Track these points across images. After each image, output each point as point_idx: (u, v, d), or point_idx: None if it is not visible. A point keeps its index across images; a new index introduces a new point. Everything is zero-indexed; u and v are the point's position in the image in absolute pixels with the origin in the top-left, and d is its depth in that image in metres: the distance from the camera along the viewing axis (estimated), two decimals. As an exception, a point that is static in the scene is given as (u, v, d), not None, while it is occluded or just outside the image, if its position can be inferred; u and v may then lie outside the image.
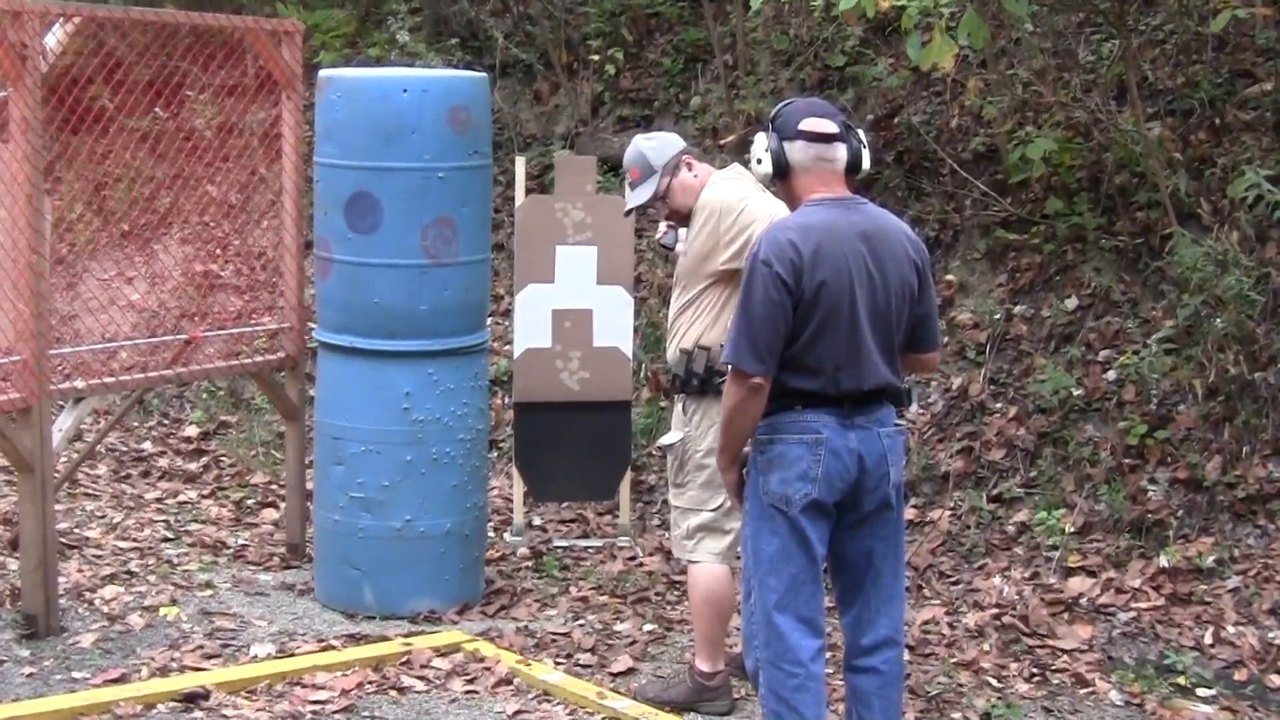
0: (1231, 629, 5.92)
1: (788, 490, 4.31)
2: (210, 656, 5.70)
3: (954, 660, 5.83)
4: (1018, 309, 7.38)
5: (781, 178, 4.42)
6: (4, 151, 5.69)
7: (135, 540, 6.99)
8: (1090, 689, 5.68)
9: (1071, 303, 7.23)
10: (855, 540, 4.42)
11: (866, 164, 4.48)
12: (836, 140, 4.39)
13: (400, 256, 6.00)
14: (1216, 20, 6.57)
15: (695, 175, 5.40)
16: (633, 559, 6.92)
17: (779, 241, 4.26)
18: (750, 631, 4.46)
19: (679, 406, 5.42)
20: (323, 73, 6.25)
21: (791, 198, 4.47)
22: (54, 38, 6.02)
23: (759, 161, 4.44)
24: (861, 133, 4.50)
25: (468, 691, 5.43)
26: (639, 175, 5.48)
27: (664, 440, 5.49)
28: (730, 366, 4.31)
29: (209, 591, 6.39)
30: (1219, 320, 6.45)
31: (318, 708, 5.25)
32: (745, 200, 5.20)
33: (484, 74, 6.41)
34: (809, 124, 4.39)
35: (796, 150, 4.38)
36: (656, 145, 5.48)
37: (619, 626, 6.13)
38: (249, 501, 7.68)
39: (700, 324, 5.30)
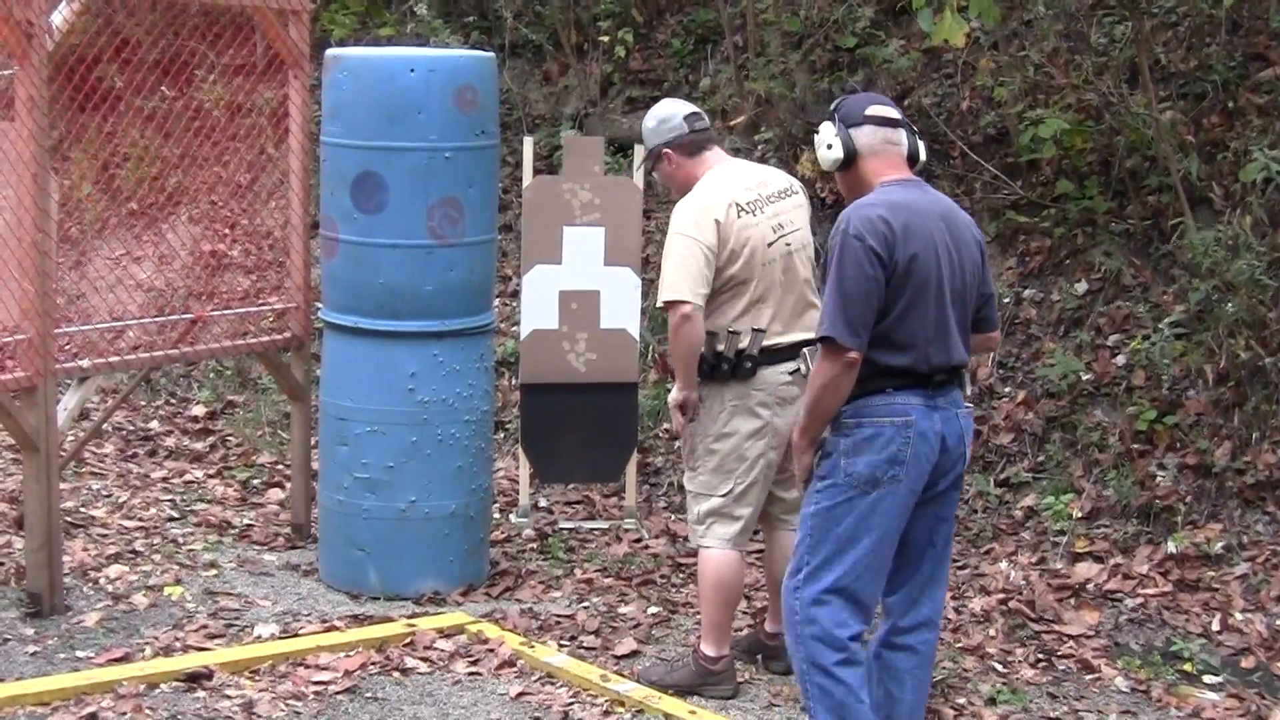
0: (1239, 616, 5.90)
1: (876, 473, 4.33)
2: (214, 636, 5.70)
3: (959, 645, 5.81)
4: (1027, 293, 7.35)
5: (849, 164, 4.46)
6: (10, 130, 5.68)
7: (141, 519, 6.99)
8: (1096, 675, 5.66)
9: (1081, 286, 7.19)
10: (922, 519, 4.47)
11: (923, 155, 4.56)
12: (900, 125, 4.48)
13: (406, 237, 5.97)
14: (1228, -1, 6.53)
15: (675, 169, 5.45)
16: (638, 541, 6.90)
17: (869, 217, 4.29)
18: (793, 606, 4.47)
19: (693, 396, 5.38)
20: (329, 52, 6.22)
21: (859, 183, 4.49)
22: (60, 15, 6.00)
23: (829, 147, 4.47)
24: (913, 126, 4.57)
25: (471, 673, 5.42)
26: (644, 153, 5.63)
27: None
28: (823, 343, 4.30)
29: (213, 571, 6.38)
30: (1230, 305, 6.42)
31: (321, 688, 5.24)
32: (683, 243, 5.20)
33: (491, 54, 6.38)
34: (875, 110, 4.48)
35: (864, 135, 4.45)
36: (651, 128, 5.50)
37: (623, 609, 6.12)
38: (255, 481, 7.67)
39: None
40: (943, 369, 4.38)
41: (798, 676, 4.50)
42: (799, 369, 4.62)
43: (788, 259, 5.28)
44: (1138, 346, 6.74)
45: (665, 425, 7.59)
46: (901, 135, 4.48)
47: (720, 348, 5.23)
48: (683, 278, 5.16)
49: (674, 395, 5.33)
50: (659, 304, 5.32)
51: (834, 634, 4.37)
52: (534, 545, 6.85)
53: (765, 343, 5.22)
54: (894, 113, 4.51)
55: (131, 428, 8.46)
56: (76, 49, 6.50)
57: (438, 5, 10.08)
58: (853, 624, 4.39)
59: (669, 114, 5.49)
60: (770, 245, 5.24)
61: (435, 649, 5.58)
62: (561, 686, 5.34)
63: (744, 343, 5.22)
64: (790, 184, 5.45)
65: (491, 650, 5.57)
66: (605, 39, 9.43)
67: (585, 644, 5.76)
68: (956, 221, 4.45)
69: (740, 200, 5.26)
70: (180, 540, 6.75)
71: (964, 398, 4.51)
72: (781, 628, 5.54)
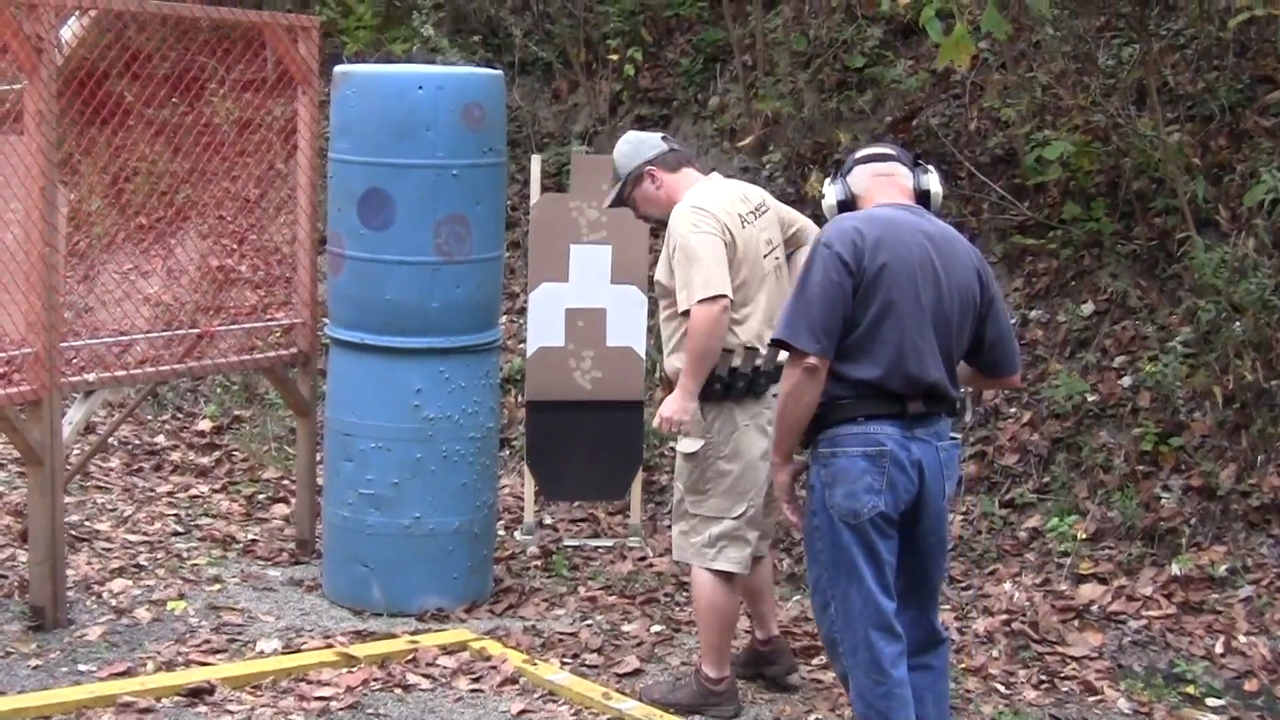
0: (1243, 639, 5.88)
1: (855, 504, 4.33)
2: (216, 651, 5.70)
3: (962, 666, 5.80)
4: (1034, 314, 7.35)
5: (850, 208, 4.52)
6: (19, 144, 5.70)
7: (145, 534, 7.00)
8: (1099, 697, 5.65)
9: (1088, 308, 7.19)
10: (909, 547, 4.45)
11: (936, 188, 4.54)
12: (891, 159, 4.55)
13: (412, 253, 5.98)
14: (1233, 19, 6.52)
15: (658, 187, 5.35)
16: (642, 559, 6.90)
17: (843, 227, 4.34)
18: (832, 639, 4.49)
19: (697, 413, 5.32)
20: (338, 68, 6.23)
21: None
22: (70, 29, 6.03)
23: (826, 197, 4.59)
24: (930, 168, 4.58)
25: (473, 690, 5.42)
26: (611, 177, 5.51)
27: (683, 448, 5.31)
28: (780, 348, 4.33)
29: (217, 586, 6.38)
30: (1236, 327, 6.41)
31: (323, 704, 5.24)
32: (702, 239, 5.07)
33: (499, 71, 6.39)
34: (863, 151, 4.62)
35: (856, 176, 4.55)
36: (627, 151, 5.41)
37: (627, 627, 6.11)
38: (260, 496, 7.68)
39: None
40: (917, 386, 4.30)
41: (851, 700, 4.51)
42: None
43: (778, 271, 5.29)
44: (1143, 368, 6.73)
45: (670, 444, 7.58)
46: (892, 165, 4.53)
47: (737, 364, 5.17)
48: (718, 274, 5.03)
49: (676, 405, 5.11)
50: (695, 301, 5.00)
51: (874, 663, 4.38)
52: (538, 562, 6.85)
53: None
54: (884, 148, 4.61)
55: (137, 442, 8.47)
56: (86, 63, 6.53)
57: (449, 22, 10.12)
58: (887, 647, 4.40)
59: (643, 137, 5.48)
60: (765, 257, 5.25)
61: (437, 666, 5.58)
62: (563, 704, 5.33)
63: (760, 359, 5.19)
64: (763, 199, 5.42)
65: (494, 667, 5.57)
66: (614, 57, 9.45)
67: (588, 662, 5.75)
68: (950, 245, 4.41)
69: (738, 210, 5.26)
70: (184, 555, 6.75)
71: (955, 428, 4.46)
72: (772, 633, 5.56)
